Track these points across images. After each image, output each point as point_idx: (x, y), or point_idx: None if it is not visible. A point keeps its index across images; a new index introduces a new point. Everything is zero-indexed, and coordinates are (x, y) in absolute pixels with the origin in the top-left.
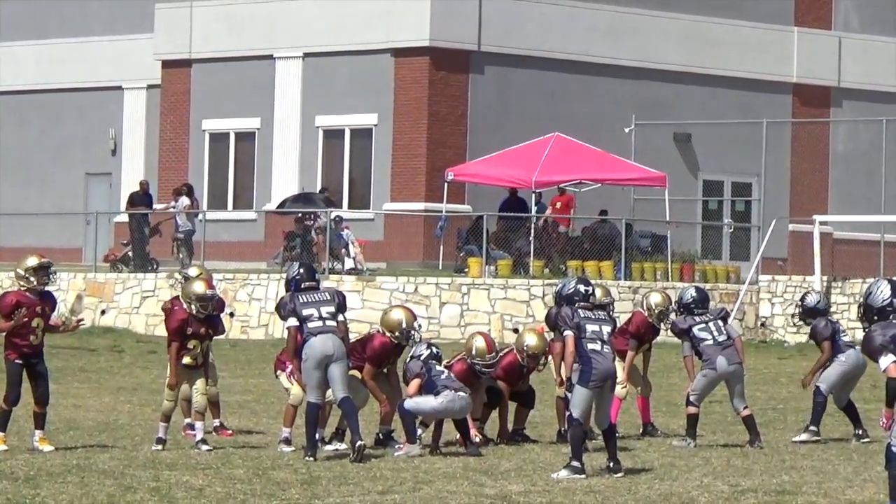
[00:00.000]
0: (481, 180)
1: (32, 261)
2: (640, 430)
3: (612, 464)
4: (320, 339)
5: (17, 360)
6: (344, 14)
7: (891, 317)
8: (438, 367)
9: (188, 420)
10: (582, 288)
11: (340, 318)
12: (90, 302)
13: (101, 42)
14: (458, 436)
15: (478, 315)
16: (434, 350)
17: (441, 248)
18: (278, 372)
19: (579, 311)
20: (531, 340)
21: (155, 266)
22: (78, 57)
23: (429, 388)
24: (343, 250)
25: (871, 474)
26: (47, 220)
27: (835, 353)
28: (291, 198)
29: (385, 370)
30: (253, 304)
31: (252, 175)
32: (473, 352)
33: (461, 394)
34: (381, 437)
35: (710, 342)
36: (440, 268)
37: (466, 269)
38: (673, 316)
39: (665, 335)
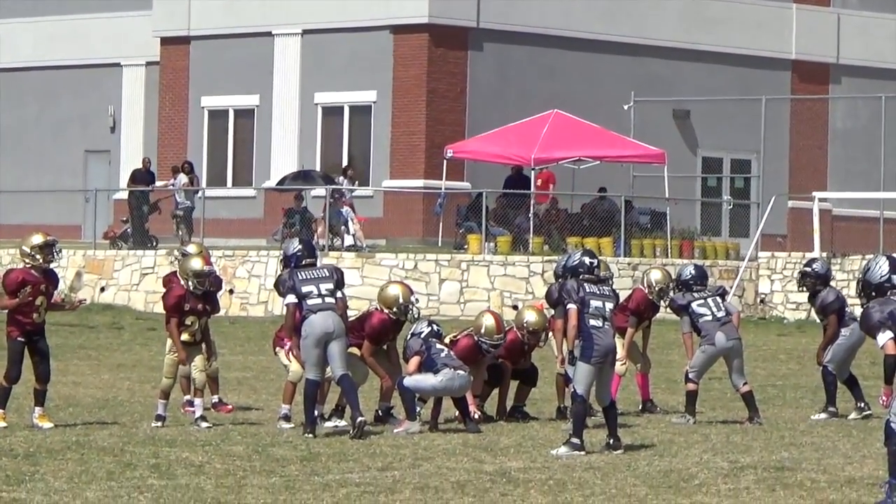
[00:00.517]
0: (480, 157)
1: (37, 238)
2: (640, 407)
3: (612, 440)
4: (320, 316)
5: (19, 338)
6: None
7: (888, 293)
8: (438, 345)
9: (187, 397)
10: (587, 260)
11: (339, 294)
12: (89, 279)
13: (100, 19)
14: (457, 413)
15: (477, 292)
16: (434, 328)
17: (440, 224)
18: (277, 349)
19: (585, 285)
20: (531, 317)
21: (154, 243)
22: (76, 34)
23: (428, 365)
24: (342, 227)
25: (870, 450)
26: (46, 197)
27: (840, 327)
28: (291, 175)
29: (385, 347)
30: (252, 281)
31: (251, 152)
32: (482, 330)
33: (460, 372)
34: (381, 413)
35: (709, 318)
36: (440, 245)
37: (466, 246)
38: (672, 293)
39: (665, 312)
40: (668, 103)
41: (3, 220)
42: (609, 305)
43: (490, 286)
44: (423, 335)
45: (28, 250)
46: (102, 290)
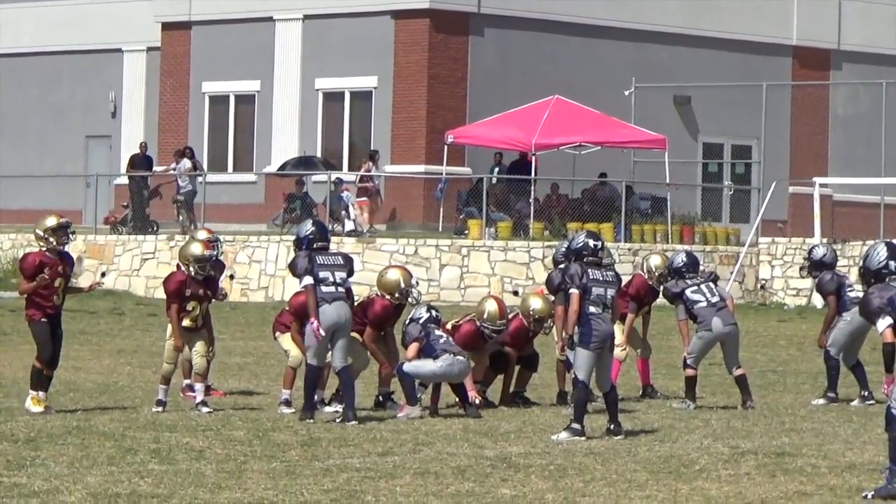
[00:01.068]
0: (481, 143)
1: (51, 221)
2: (640, 393)
3: (612, 426)
4: (335, 306)
5: (42, 319)
6: None
7: (887, 279)
8: (437, 331)
9: (187, 381)
10: (591, 242)
11: (348, 284)
12: (90, 264)
13: (101, 4)
14: (457, 398)
15: (478, 277)
16: (433, 313)
17: (441, 210)
18: (277, 334)
19: (588, 271)
20: (537, 304)
21: (155, 228)
22: (77, 19)
23: (427, 351)
24: (343, 212)
25: (870, 436)
26: (47, 182)
27: (840, 311)
28: (293, 161)
29: (383, 333)
30: (253, 267)
31: (252, 137)
32: (485, 315)
33: (460, 357)
34: (381, 399)
35: (704, 304)
36: (440, 230)
37: (466, 232)
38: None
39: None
40: (669, 89)
41: (4, 205)
42: (611, 292)
43: (490, 272)
44: (421, 321)
45: (42, 233)
46: (103, 275)
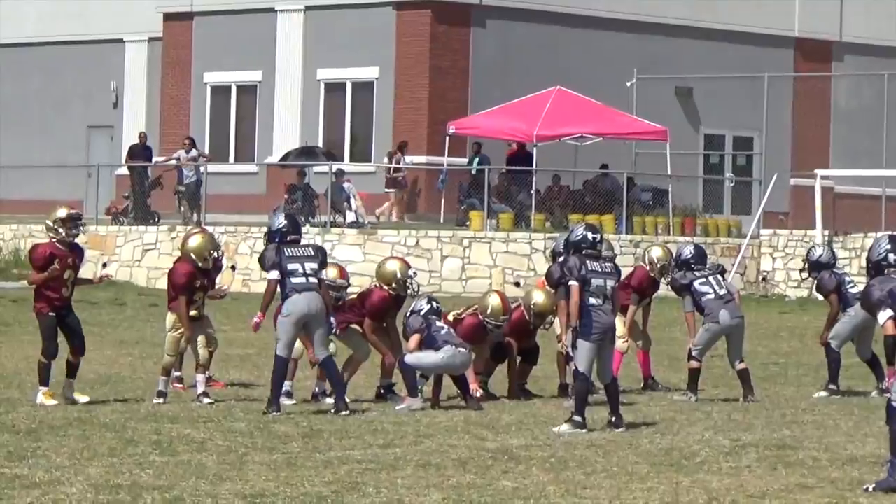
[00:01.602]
0: (483, 134)
1: (62, 212)
2: (641, 385)
3: (613, 418)
4: (305, 296)
5: (50, 313)
6: None
7: (886, 271)
8: (438, 323)
9: (177, 373)
10: (590, 235)
11: (322, 274)
12: (91, 255)
13: None
14: (459, 390)
15: (479, 269)
16: (434, 305)
17: (442, 201)
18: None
19: (587, 262)
20: (539, 298)
21: (156, 219)
22: (80, 10)
23: (429, 343)
24: (344, 203)
25: (871, 429)
26: (49, 172)
27: (844, 307)
28: (295, 151)
29: (385, 324)
30: (254, 258)
31: (253, 128)
32: (488, 311)
33: (461, 349)
34: (383, 391)
35: (712, 296)
36: (442, 221)
37: (468, 223)
38: (672, 273)
39: (665, 289)
40: (671, 80)
41: (6, 196)
42: (611, 283)
43: (492, 263)
44: (422, 313)
45: (52, 224)
46: (105, 265)
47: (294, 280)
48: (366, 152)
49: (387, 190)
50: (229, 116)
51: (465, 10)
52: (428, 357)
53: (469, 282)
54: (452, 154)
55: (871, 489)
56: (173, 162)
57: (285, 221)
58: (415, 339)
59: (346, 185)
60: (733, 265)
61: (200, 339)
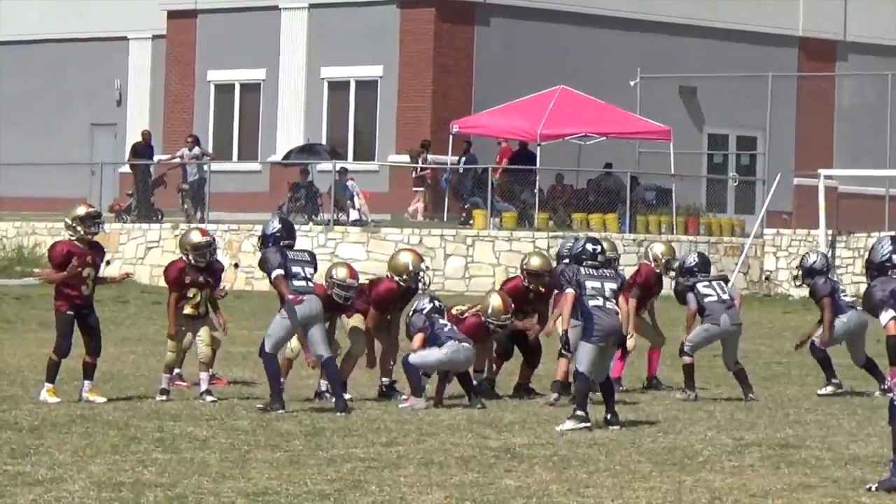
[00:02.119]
0: (486, 132)
1: (80, 210)
2: (645, 384)
3: (609, 415)
4: (307, 300)
5: (68, 311)
6: None
7: (889, 272)
8: (441, 321)
9: (178, 370)
10: (590, 247)
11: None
12: None
13: None
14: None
15: (482, 267)
16: (437, 304)
17: (446, 199)
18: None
19: (580, 268)
20: (534, 261)
21: (160, 217)
22: (83, 7)
23: (432, 341)
24: (348, 202)
25: (874, 429)
26: (52, 170)
27: (837, 313)
28: (297, 149)
29: (388, 317)
30: (258, 256)
31: (257, 126)
32: (489, 311)
33: (465, 345)
34: (385, 389)
35: (714, 299)
36: (445, 220)
37: (471, 221)
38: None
39: (669, 289)
40: (675, 80)
41: (9, 193)
42: (609, 285)
43: (495, 261)
44: (425, 311)
45: (70, 222)
46: (108, 263)
47: (296, 283)
48: (369, 151)
49: (415, 189)
50: (233, 114)
51: (468, 9)
52: (432, 354)
53: (472, 280)
54: (456, 153)
55: (873, 489)
56: (177, 160)
57: (280, 226)
58: (419, 338)
59: (349, 183)
60: (736, 265)
61: (202, 334)
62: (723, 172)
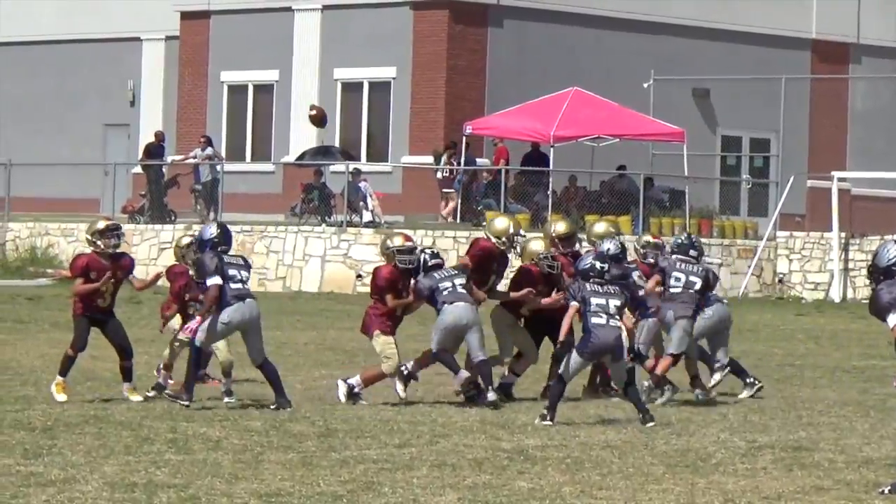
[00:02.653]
0: (500, 134)
1: (100, 224)
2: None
3: (642, 415)
4: (247, 304)
5: (84, 314)
6: None
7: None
8: (443, 283)
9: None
10: (598, 265)
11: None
12: None
13: None
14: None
15: None
16: (436, 259)
17: (458, 201)
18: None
19: (587, 284)
20: (560, 226)
21: (173, 217)
22: (97, 8)
23: (433, 301)
24: (361, 203)
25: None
26: (65, 170)
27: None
28: (312, 150)
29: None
30: (271, 257)
31: (270, 127)
32: (538, 254)
33: (460, 303)
34: (406, 374)
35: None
36: (458, 221)
37: (485, 223)
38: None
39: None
40: (688, 82)
41: (22, 193)
42: (614, 302)
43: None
44: (429, 265)
45: (91, 237)
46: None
47: (234, 286)
48: (382, 152)
49: (445, 191)
50: (246, 115)
51: (482, 11)
52: (438, 329)
53: None
54: (469, 154)
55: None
56: (190, 161)
57: (217, 231)
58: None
59: (362, 184)
60: (749, 267)
61: (222, 342)
62: (736, 174)
